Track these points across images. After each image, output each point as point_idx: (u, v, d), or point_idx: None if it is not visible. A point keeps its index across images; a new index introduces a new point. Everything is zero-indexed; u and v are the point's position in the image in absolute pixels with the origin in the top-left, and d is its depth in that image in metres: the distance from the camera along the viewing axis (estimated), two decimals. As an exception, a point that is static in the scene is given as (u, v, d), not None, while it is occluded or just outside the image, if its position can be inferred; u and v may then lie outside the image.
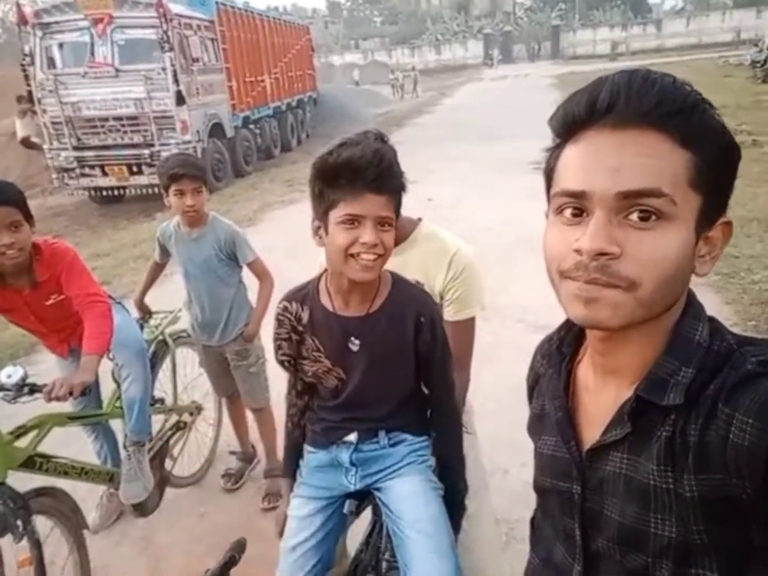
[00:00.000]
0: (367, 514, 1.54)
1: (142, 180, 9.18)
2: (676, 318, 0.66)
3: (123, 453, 2.13)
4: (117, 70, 8.90)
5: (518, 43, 46.16)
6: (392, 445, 1.34)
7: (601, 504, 0.69)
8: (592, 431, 0.71)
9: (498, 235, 5.73)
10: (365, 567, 1.45)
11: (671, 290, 0.61)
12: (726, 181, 0.62)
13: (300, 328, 1.29)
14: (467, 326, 1.50)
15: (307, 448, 1.43)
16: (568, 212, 0.62)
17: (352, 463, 1.35)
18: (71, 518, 1.87)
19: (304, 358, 1.32)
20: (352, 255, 1.14)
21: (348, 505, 1.38)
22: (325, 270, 1.30)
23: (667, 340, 0.65)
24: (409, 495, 1.30)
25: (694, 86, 0.60)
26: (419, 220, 1.54)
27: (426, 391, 1.37)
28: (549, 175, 0.68)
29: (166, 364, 2.53)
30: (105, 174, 9.30)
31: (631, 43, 36.45)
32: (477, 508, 1.51)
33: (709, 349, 0.63)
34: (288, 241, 6.21)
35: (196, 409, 2.69)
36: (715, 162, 0.59)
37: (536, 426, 0.83)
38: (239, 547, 1.18)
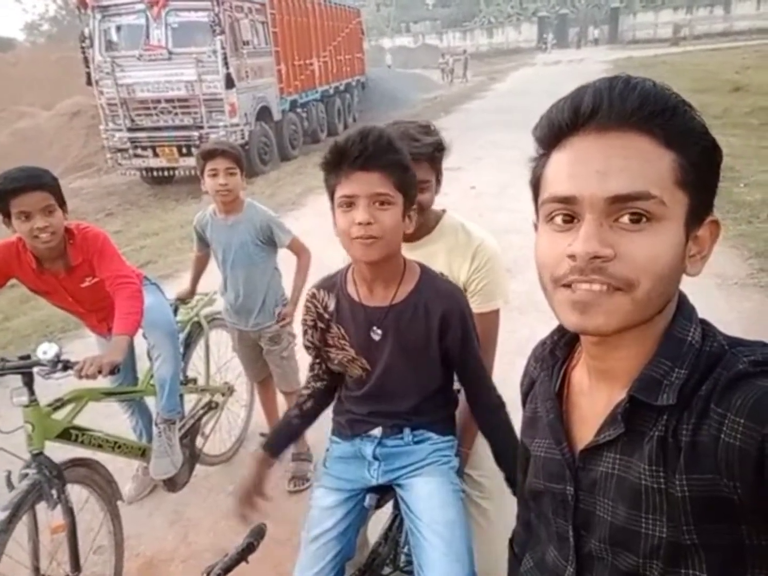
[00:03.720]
0: (388, 507, 1.55)
1: (191, 162, 9.38)
2: (668, 320, 0.66)
3: (154, 429, 2.20)
4: (170, 53, 9.10)
5: (574, 27, 44.62)
6: (416, 443, 1.33)
7: (594, 505, 0.69)
8: (585, 433, 0.71)
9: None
10: (383, 560, 1.46)
11: (665, 290, 0.62)
12: (710, 180, 0.62)
13: (326, 316, 1.30)
14: (491, 318, 1.49)
15: (331, 438, 1.44)
16: (558, 219, 0.63)
17: (375, 457, 1.35)
18: (106, 489, 1.95)
19: (330, 346, 1.33)
20: (354, 237, 1.14)
21: (369, 499, 1.38)
22: (350, 264, 1.31)
23: (660, 341, 0.65)
24: (429, 496, 1.29)
25: (668, 90, 0.61)
26: (443, 211, 1.53)
27: (461, 386, 1.35)
28: (536, 185, 0.68)
29: (200, 345, 2.60)
30: (156, 155, 9.57)
31: (696, 26, 34.67)
32: (494, 510, 1.49)
33: (701, 350, 0.64)
34: (328, 226, 6.22)
35: (228, 390, 2.75)
36: (699, 161, 0.60)
37: (529, 429, 0.84)
38: (259, 533, 1.19)
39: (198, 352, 2.61)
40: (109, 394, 2.11)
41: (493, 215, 5.30)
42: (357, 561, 1.46)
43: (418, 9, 52.41)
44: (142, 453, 2.20)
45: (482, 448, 1.44)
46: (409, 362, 1.27)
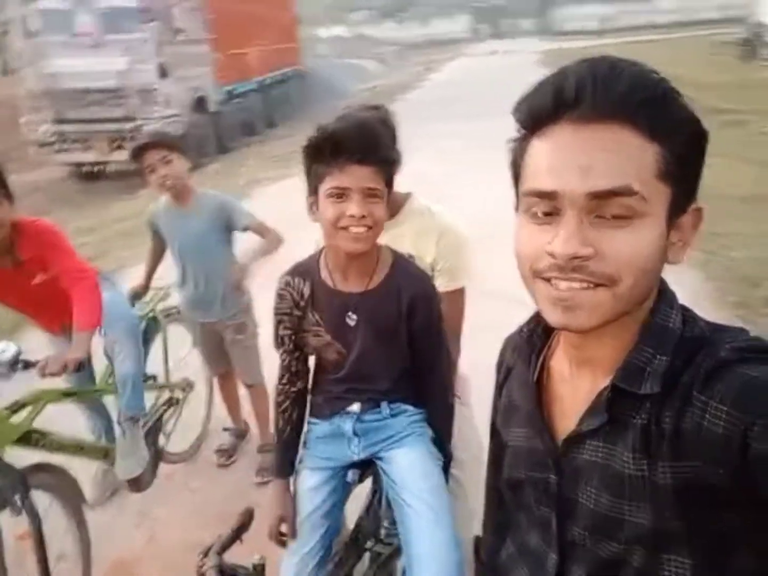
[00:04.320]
0: (367, 483, 1.58)
1: (124, 155, 8.99)
2: (650, 307, 0.66)
3: (117, 429, 2.15)
4: (98, 41, 8.68)
5: (507, 18, 45.59)
6: (393, 416, 1.38)
7: (577, 493, 0.69)
8: (567, 421, 0.71)
9: (487, 214, 5.75)
10: (367, 533, 1.50)
11: (647, 282, 0.61)
12: (694, 170, 0.61)
13: (302, 303, 1.31)
14: (457, 296, 1.55)
15: (310, 420, 1.46)
16: (538, 212, 0.61)
17: (354, 433, 1.38)
18: (69, 493, 1.89)
19: (305, 332, 1.34)
20: (342, 228, 1.16)
21: (351, 475, 1.42)
22: (324, 247, 1.32)
23: (642, 328, 0.65)
24: (410, 465, 1.34)
25: (659, 73, 0.59)
26: (409, 194, 1.56)
27: (417, 370, 1.39)
28: (516, 168, 0.66)
29: (158, 341, 2.54)
30: (86, 149, 9.12)
31: (621, 18, 36.18)
32: (467, 479, 1.56)
33: (682, 336, 0.64)
34: (280, 218, 6.16)
35: (188, 386, 2.70)
36: (684, 152, 0.59)
37: (505, 418, 0.83)
38: (249, 514, 1.20)
39: (155, 348, 2.54)
40: (68, 394, 2.03)
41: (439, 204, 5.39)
42: (341, 536, 1.49)
43: (353, -2, 52.06)
44: (105, 454, 2.14)
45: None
46: (382, 345, 1.31)
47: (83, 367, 1.68)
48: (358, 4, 50.51)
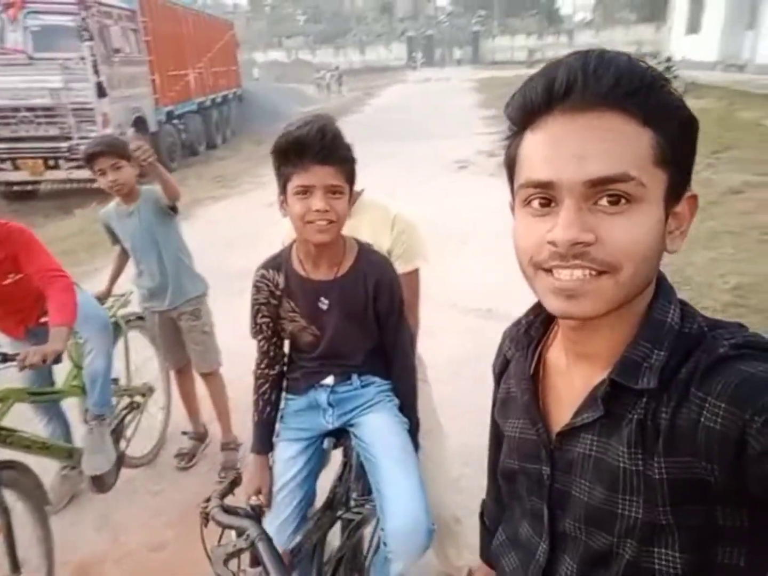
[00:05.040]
0: (340, 457, 1.69)
1: (60, 174, 8.75)
2: (648, 300, 0.66)
3: (85, 428, 2.16)
4: (30, 58, 8.46)
5: (440, 47, 47.33)
6: (364, 386, 1.52)
7: (570, 485, 0.70)
8: (562, 413, 0.71)
9: (429, 228, 6.01)
10: (338, 503, 1.61)
11: (648, 270, 0.61)
12: (688, 155, 0.62)
13: (278, 293, 1.44)
14: (413, 277, 1.72)
15: (287, 396, 1.57)
16: (536, 203, 0.61)
17: (329, 404, 1.51)
18: (34, 493, 1.90)
19: (282, 319, 1.47)
20: (309, 222, 1.30)
21: (327, 443, 1.55)
22: (294, 240, 1.46)
23: (640, 322, 0.65)
24: (380, 428, 1.48)
25: (643, 64, 0.60)
26: (362, 190, 1.73)
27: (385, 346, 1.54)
28: (510, 165, 0.66)
29: (119, 346, 2.56)
30: (17, 168, 8.80)
31: (546, 50, 38.39)
32: (431, 446, 1.71)
33: (680, 331, 0.63)
34: (224, 235, 6.21)
35: (149, 391, 2.73)
36: (677, 138, 0.59)
37: (503, 410, 0.83)
38: (239, 475, 1.28)
39: (117, 353, 2.56)
40: (34, 394, 2.04)
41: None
42: (315, 505, 1.60)
43: (290, 24, 52.64)
44: (70, 454, 2.15)
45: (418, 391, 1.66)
46: (352, 326, 1.46)
47: (61, 359, 1.72)
48: (295, 31, 51.13)
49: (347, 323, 1.45)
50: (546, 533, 0.73)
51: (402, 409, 1.55)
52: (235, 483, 1.18)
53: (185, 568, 2.14)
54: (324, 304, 1.44)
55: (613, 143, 0.57)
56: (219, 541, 1.08)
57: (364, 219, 1.67)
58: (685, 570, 0.61)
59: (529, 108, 0.61)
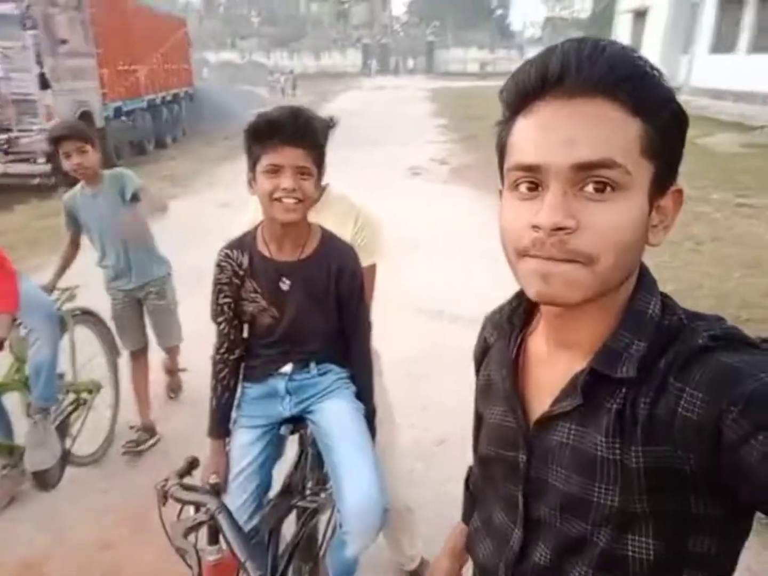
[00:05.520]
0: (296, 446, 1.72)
1: (-2, 168, 8.37)
2: (630, 291, 0.66)
3: (28, 421, 2.09)
4: (-32, 46, 8.07)
5: (395, 56, 47.83)
6: (321, 375, 1.55)
7: (546, 473, 0.70)
8: (542, 402, 0.72)
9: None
10: (294, 490, 1.64)
11: (628, 261, 0.62)
12: (676, 148, 0.62)
13: (241, 273, 1.46)
14: (370, 272, 1.75)
15: (244, 384, 1.58)
16: (523, 187, 0.61)
17: (287, 392, 1.53)
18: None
19: (242, 300, 1.48)
20: (276, 199, 1.34)
21: (284, 429, 1.57)
22: (260, 223, 1.48)
23: (621, 313, 0.66)
24: (337, 413, 1.52)
25: (635, 54, 0.60)
26: (327, 184, 1.77)
27: (345, 331, 1.57)
28: (501, 150, 0.66)
29: (64, 341, 2.49)
30: (-49, 160, 8.36)
31: (498, 64, 39.44)
32: (383, 436, 1.75)
33: (660, 323, 0.64)
34: (175, 234, 6.06)
35: (96, 387, 2.66)
36: (665, 129, 0.59)
37: (483, 397, 0.84)
38: (195, 458, 1.28)
39: (62, 348, 2.49)
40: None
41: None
42: (271, 492, 1.62)
43: (244, 25, 52.03)
44: (10, 451, 2.08)
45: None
46: (313, 308, 1.48)
47: (2, 347, 1.67)
48: (249, 32, 50.57)
49: (307, 305, 1.48)
50: (520, 520, 0.74)
51: (359, 396, 1.59)
52: (192, 465, 1.19)
53: (134, 566, 2.11)
54: (285, 284, 1.46)
55: (602, 129, 0.58)
56: (178, 518, 1.09)
57: (329, 212, 1.70)
58: (658, 557, 0.62)
59: (522, 93, 0.61)
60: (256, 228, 1.50)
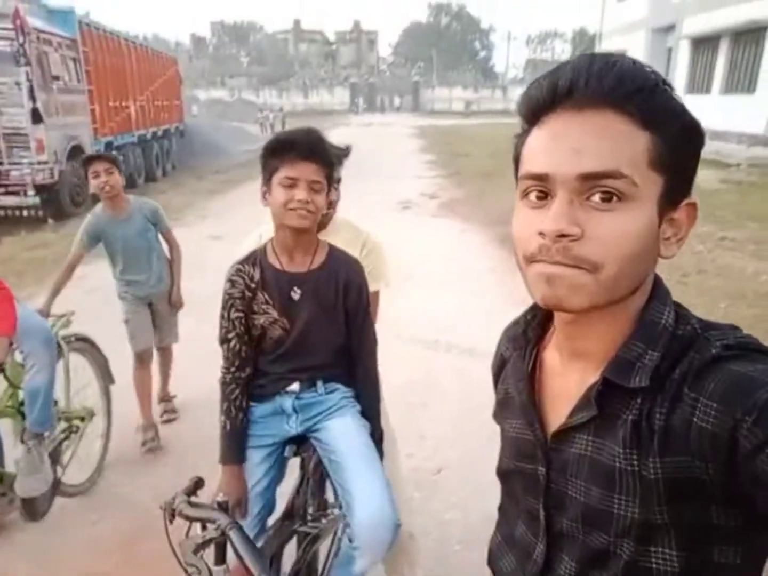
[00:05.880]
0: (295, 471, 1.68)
1: (-14, 201, 8.35)
2: (643, 302, 0.66)
3: (22, 448, 2.05)
4: (-39, 81, 8.14)
5: (381, 94, 48.98)
6: (328, 393, 1.55)
7: (566, 485, 0.70)
8: (558, 414, 0.71)
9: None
10: (296, 514, 1.61)
11: (634, 272, 0.62)
12: (688, 162, 0.62)
13: (252, 285, 1.49)
14: (374, 297, 1.78)
15: (250, 403, 1.57)
16: (533, 195, 0.63)
17: (294, 410, 1.53)
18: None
19: (254, 313, 1.50)
20: (291, 209, 1.41)
21: (288, 450, 1.56)
22: (271, 239, 1.53)
23: (634, 323, 0.66)
24: (344, 431, 1.51)
25: (648, 68, 0.61)
26: (334, 210, 1.80)
27: (351, 345, 1.58)
28: (516, 161, 0.68)
29: (59, 367, 2.45)
30: (-61, 192, 8.33)
31: (482, 103, 40.54)
32: (389, 464, 1.73)
33: (674, 333, 0.64)
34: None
35: (89, 414, 2.61)
36: (675, 143, 0.60)
37: (502, 410, 0.84)
38: (200, 479, 1.25)
39: (57, 375, 2.45)
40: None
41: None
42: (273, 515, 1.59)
43: (233, 65, 53.14)
44: (1, 479, 2.02)
45: None
46: (323, 319, 1.51)
47: (2, 368, 1.64)
48: (238, 71, 51.63)
49: (317, 315, 1.50)
50: (542, 533, 0.74)
51: (365, 415, 1.58)
52: (198, 485, 1.17)
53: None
54: (296, 294, 1.49)
55: (609, 140, 0.58)
56: (186, 536, 1.07)
57: (337, 237, 1.73)
58: (683, 568, 0.62)
59: (535, 106, 0.63)
60: (266, 244, 1.54)
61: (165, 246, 3.11)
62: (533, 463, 0.74)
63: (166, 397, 3.31)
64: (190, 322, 3.95)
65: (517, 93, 44.51)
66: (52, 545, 2.27)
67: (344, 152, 1.78)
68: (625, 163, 0.58)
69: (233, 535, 1.01)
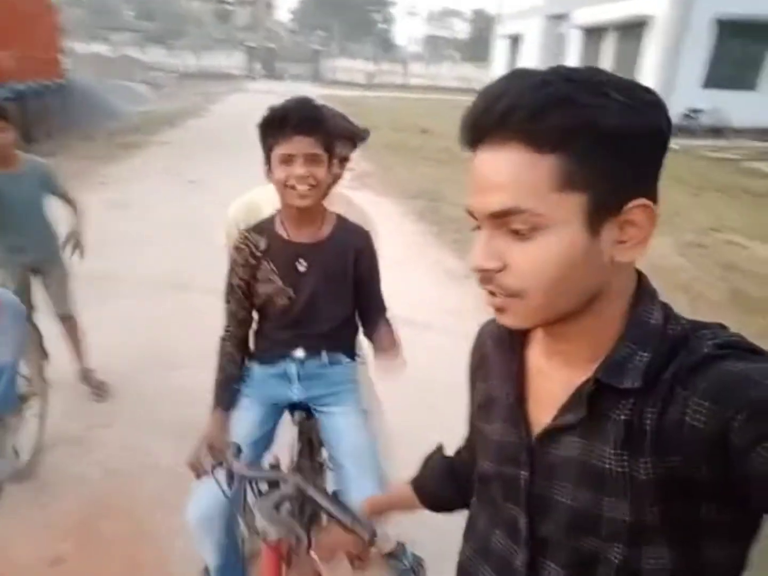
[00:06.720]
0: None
1: None
2: (625, 303, 0.66)
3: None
4: None
5: (281, 61, 47.39)
6: (332, 364, 1.60)
7: (551, 489, 0.69)
8: (543, 415, 0.71)
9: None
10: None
11: (568, 290, 0.62)
12: (618, 166, 0.58)
13: (258, 254, 1.50)
14: None
15: (256, 364, 1.61)
16: (474, 225, 0.65)
17: (298, 377, 1.58)
18: None
19: (258, 281, 1.52)
20: (291, 186, 1.41)
21: (297, 416, 1.62)
22: (279, 210, 1.54)
23: (622, 324, 0.65)
24: (345, 427, 1.58)
25: (552, 85, 0.57)
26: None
27: (360, 311, 1.64)
28: None
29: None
30: None
31: (382, 76, 40.56)
32: (376, 425, 1.83)
33: (664, 332, 0.64)
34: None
35: (30, 394, 2.43)
36: (590, 156, 0.57)
37: (484, 413, 0.81)
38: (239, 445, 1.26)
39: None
40: None
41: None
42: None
43: (116, 17, 48.75)
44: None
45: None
46: (329, 289, 1.54)
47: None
48: (120, 25, 47.48)
49: (322, 287, 1.53)
50: (524, 540, 0.72)
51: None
52: (240, 449, 1.20)
53: (91, 578, 1.98)
54: (302, 266, 1.52)
55: (505, 177, 0.58)
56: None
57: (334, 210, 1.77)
58: (675, 566, 0.63)
59: (464, 145, 0.64)
60: (275, 213, 1.55)
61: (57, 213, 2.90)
62: (515, 467, 0.73)
63: (86, 373, 3.10)
64: (103, 306, 3.76)
65: (416, 69, 45.21)
66: (3, 532, 2.14)
67: (360, 133, 1.79)
68: (524, 197, 0.58)
69: (311, 490, 1.06)
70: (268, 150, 1.43)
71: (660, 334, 0.64)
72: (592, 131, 0.56)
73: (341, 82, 37.51)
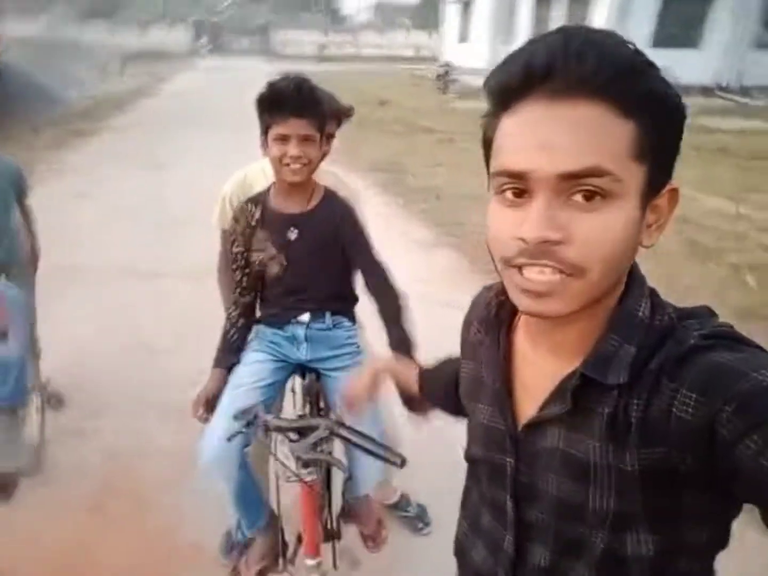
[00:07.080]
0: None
1: None
2: (619, 293, 0.65)
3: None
4: None
5: (228, 35, 45.86)
6: (335, 326, 1.74)
7: (535, 478, 0.70)
8: (529, 404, 0.70)
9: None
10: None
11: (620, 268, 0.60)
12: (671, 145, 0.58)
13: (253, 223, 1.64)
14: None
15: (266, 327, 1.74)
16: (509, 194, 0.59)
17: (305, 338, 1.71)
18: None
19: (253, 250, 1.65)
20: (285, 164, 1.53)
21: (308, 377, 1.75)
22: (273, 183, 1.67)
23: (610, 316, 0.64)
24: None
25: (630, 46, 0.56)
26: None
27: (363, 278, 1.71)
28: (487, 146, 0.63)
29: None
30: None
31: (332, 48, 39.77)
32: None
33: (651, 324, 0.63)
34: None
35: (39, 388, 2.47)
36: (659, 128, 0.56)
37: (472, 391, 0.81)
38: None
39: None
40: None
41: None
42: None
43: (47, -7, 45.96)
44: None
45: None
46: (320, 256, 1.67)
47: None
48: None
49: (313, 253, 1.66)
50: (510, 525, 0.73)
51: (391, 331, 1.63)
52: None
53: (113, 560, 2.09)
54: (293, 233, 1.64)
55: (588, 135, 0.54)
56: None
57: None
58: (657, 551, 0.64)
59: (506, 90, 0.58)
60: (270, 186, 1.68)
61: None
62: (502, 454, 0.73)
63: (39, 387, 2.76)
64: (71, 297, 3.74)
65: (368, 38, 44.37)
66: (27, 522, 2.21)
67: (344, 111, 1.89)
68: (607, 158, 0.54)
69: (344, 431, 1.19)
70: (264, 127, 1.53)
71: (647, 326, 0.63)
72: (667, 102, 0.56)
73: (292, 56, 36.63)
